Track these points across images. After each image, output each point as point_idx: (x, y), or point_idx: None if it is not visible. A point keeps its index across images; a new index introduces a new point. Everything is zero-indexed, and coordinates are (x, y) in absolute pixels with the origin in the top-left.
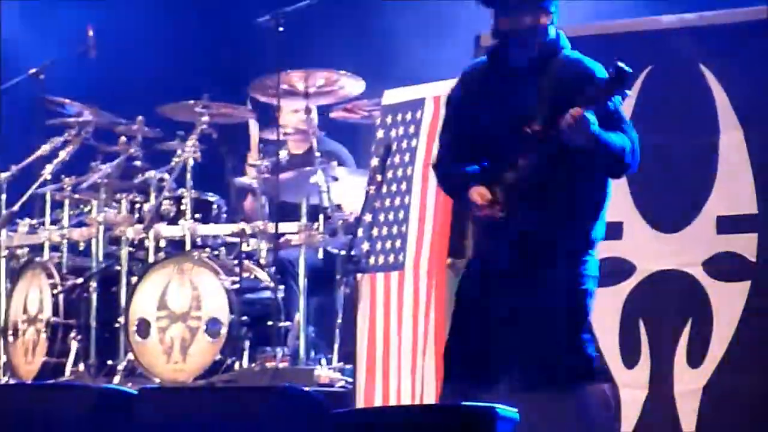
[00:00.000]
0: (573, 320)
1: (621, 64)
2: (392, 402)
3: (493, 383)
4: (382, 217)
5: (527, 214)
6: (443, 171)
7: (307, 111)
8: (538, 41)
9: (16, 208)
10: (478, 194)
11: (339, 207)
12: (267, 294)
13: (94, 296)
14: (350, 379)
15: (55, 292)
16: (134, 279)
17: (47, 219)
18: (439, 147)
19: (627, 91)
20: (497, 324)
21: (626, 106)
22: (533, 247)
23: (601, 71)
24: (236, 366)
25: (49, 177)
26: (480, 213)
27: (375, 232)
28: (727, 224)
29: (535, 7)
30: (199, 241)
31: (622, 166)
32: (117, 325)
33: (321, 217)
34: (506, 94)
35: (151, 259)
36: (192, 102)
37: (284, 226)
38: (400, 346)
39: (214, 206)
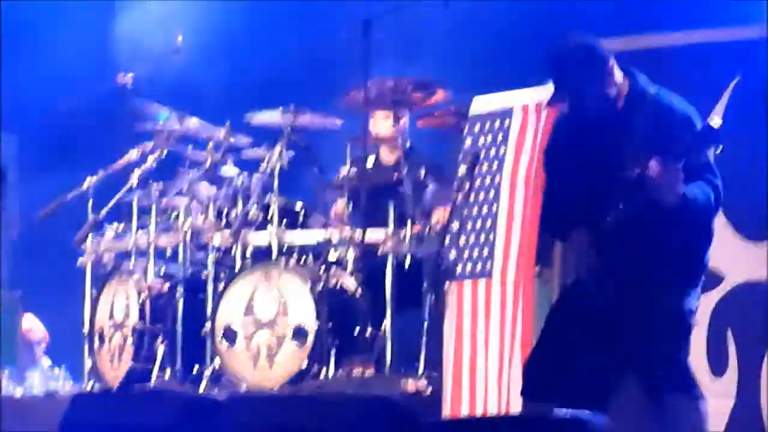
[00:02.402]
0: (679, 336)
1: (712, 123)
2: (479, 411)
3: (587, 399)
4: (469, 226)
5: (631, 255)
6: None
7: (397, 118)
8: (608, 102)
9: (103, 213)
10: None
11: (427, 215)
12: (354, 301)
13: (181, 302)
14: (437, 388)
15: (141, 298)
16: (221, 285)
17: (134, 225)
18: (543, 208)
19: (715, 146)
20: (600, 341)
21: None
22: (642, 279)
23: (691, 115)
24: (323, 373)
25: (136, 183)
26: None
27: (462, 240)
28: None
29: (593, 78)
30: (286, 248)
31: (704, 220)
32: (203, 331)
33: (408, 224)
34: (600, 140)
35: (238, 265)
36: (280, 109)
37: (372, 233)
38: (487, 355)
39: (302, 213)
